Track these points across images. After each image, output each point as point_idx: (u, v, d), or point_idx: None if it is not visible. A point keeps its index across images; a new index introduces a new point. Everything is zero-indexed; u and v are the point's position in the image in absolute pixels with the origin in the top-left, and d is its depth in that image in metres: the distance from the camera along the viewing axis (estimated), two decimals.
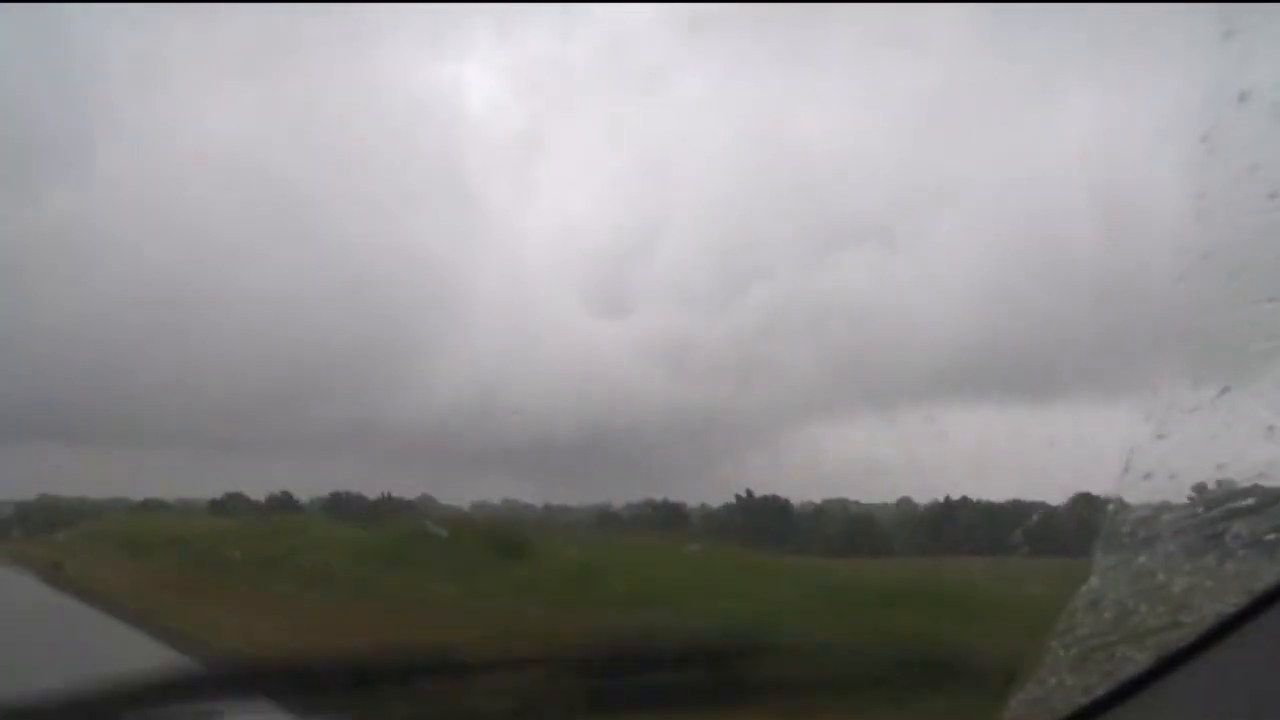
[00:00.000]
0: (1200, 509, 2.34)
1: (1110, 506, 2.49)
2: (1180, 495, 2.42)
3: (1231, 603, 2.06)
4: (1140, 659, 2.15)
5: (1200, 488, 2.39)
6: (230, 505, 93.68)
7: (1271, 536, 2.19)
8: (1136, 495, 2.45)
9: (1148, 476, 2.41)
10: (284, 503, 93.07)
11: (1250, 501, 2.23)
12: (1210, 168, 2.73)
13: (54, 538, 62.34)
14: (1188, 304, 2.55)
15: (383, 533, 28.56)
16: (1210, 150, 2.73)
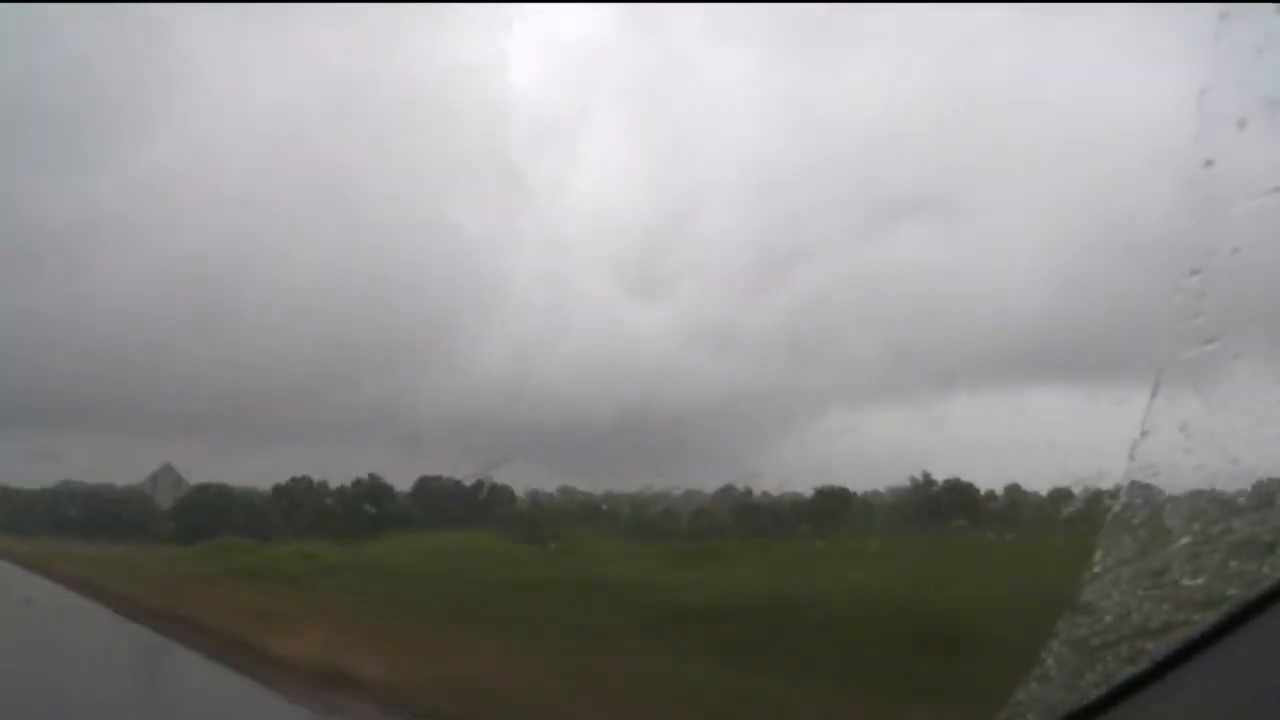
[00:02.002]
0: (1205, 506, 2.32)
1: (1115, 504, 2.47)
2: (1185, 491, 2.40)
3: (1231, 603, 2.05)
4: (1140, 659, 2.15)
5: (1207, 484, 2.36)
6: (296, 491, 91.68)
7: (1272, 536, 2.17)
8: (1141, 489, 2.44)
9: (1153, 471, 2.39)
10: (374, 488, 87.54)
11: (1255, 500, 2.21)
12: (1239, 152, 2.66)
13: None
14: (1208, 296, 2.49)
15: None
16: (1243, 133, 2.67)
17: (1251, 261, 2.44)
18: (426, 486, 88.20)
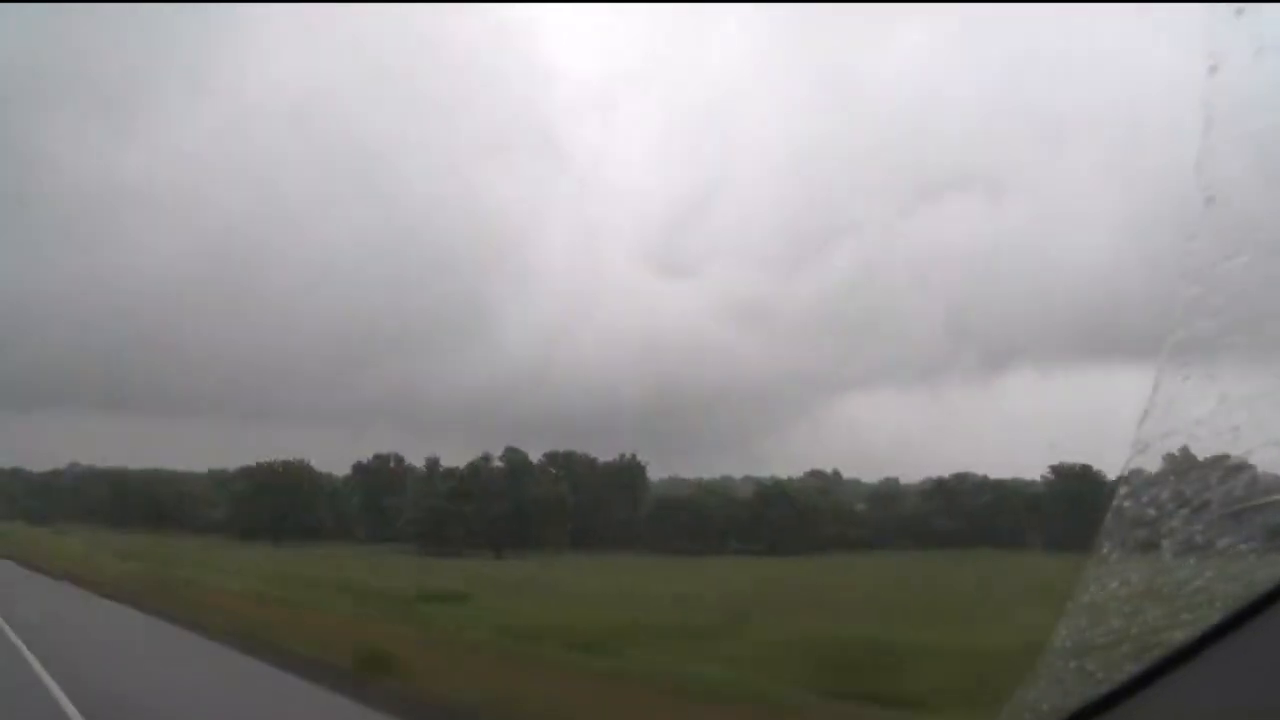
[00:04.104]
0: (1210, 500, 2.27)
1: (1116, 501, 2.42)
2: (1188, 489, 2.34)
3: (1232, 603, 2.03)
4: (1140, 659, 2.14)
5: (1213, 478, 2.30)
6: (380, 471, 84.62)
7: (1275, 534, 2.13)
8: (1143, 486, 2.39)
9: (1158, 462, 2.34)
10: (520, 461, 77.95)
11: (1261, 495, 2.16)
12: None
13: None
14: (1219, 288, 2.39)
15: None
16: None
17: (1269, 250, 2.35)
18: (560, 463, 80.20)
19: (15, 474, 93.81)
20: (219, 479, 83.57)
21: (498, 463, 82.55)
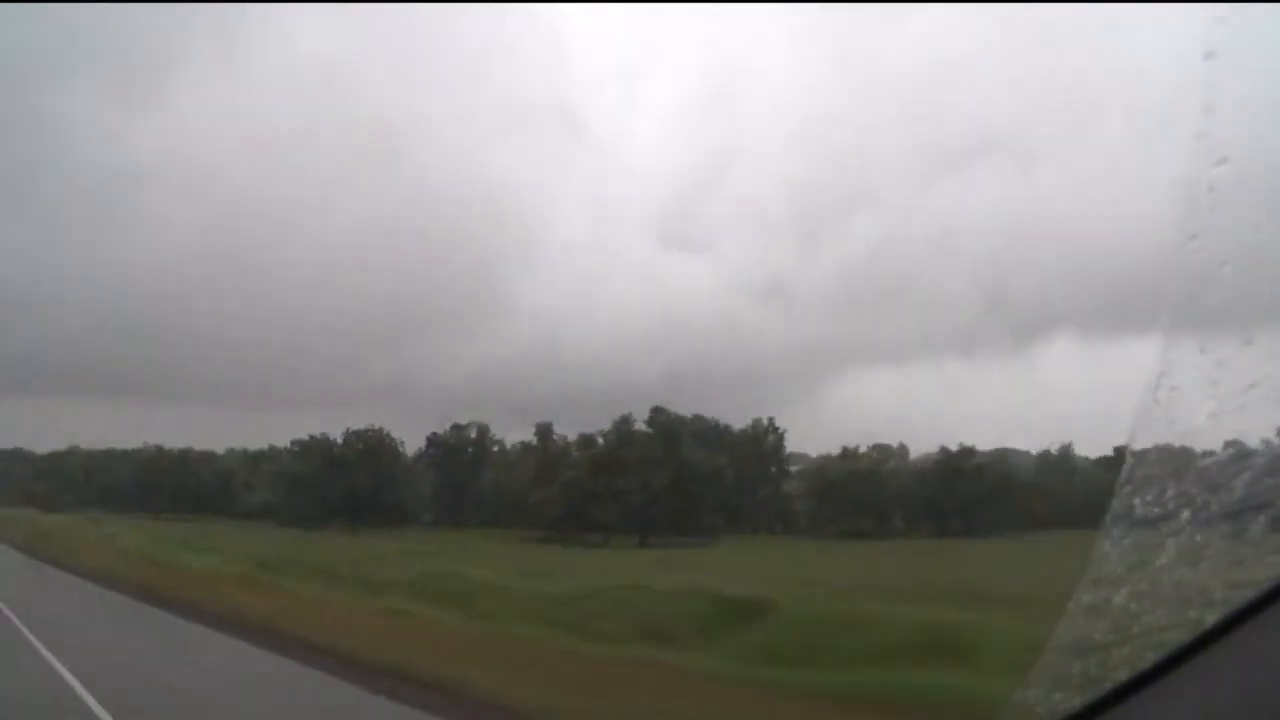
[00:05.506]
0: (1208, 504, 2.19)
1: (1117, 501, 2.35)
2: (1191, 487, 2.25)
3: (1233, 601, 1.98)
4: (1141, 659, 2.10)
5: (1211, 480, 2.21)
6: (457, 443, 73.62)
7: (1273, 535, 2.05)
8: (1145, 483, 2.31)
9: (1157, 454, 2.26)
10: (670, 425, 62.47)
11: (1258, 498, 2.08)
12: None
13: None
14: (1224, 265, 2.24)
15: None
16: None
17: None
18: (691, 429, 68.33)
19: (16, 455, 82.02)
20: (253, 458, 71.84)
21: (642, 427, 63.06)
